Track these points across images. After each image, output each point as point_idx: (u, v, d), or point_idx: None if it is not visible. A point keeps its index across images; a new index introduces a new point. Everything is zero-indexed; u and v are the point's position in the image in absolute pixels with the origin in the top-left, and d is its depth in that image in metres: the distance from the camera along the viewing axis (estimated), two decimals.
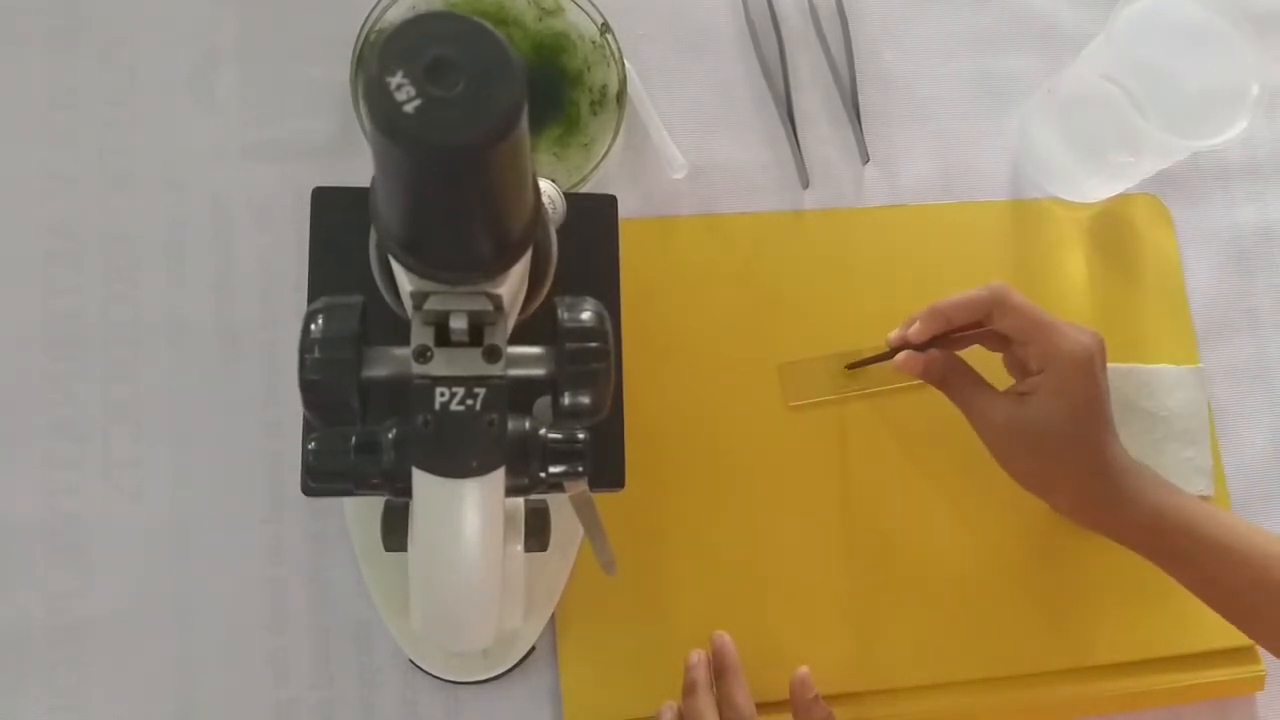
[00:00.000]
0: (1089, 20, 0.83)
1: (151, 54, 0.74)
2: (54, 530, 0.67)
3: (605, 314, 0.48)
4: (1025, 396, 0.64)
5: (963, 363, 0.67)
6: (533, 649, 0.67)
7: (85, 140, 0.72)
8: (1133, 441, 0.74)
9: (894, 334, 0.68)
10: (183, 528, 0.68)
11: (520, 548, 0.57)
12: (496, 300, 0.46)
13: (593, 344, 0.47)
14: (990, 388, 0.66)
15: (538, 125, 0.74)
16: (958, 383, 0.66)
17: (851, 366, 0.73)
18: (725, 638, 0.68)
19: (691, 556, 0.70)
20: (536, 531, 0.57)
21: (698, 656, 0.67)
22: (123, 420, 0.69)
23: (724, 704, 0.65)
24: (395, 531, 0.53)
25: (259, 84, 0.74)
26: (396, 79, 0.37)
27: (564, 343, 0.47)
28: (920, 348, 0.67)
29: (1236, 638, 0.73)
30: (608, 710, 0.67)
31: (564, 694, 0.67)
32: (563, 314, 0.48)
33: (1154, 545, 0.63)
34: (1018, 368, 0.67)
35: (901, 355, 0.67)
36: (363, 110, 0.70)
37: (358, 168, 0.72)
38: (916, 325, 0.67)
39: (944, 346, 0.67)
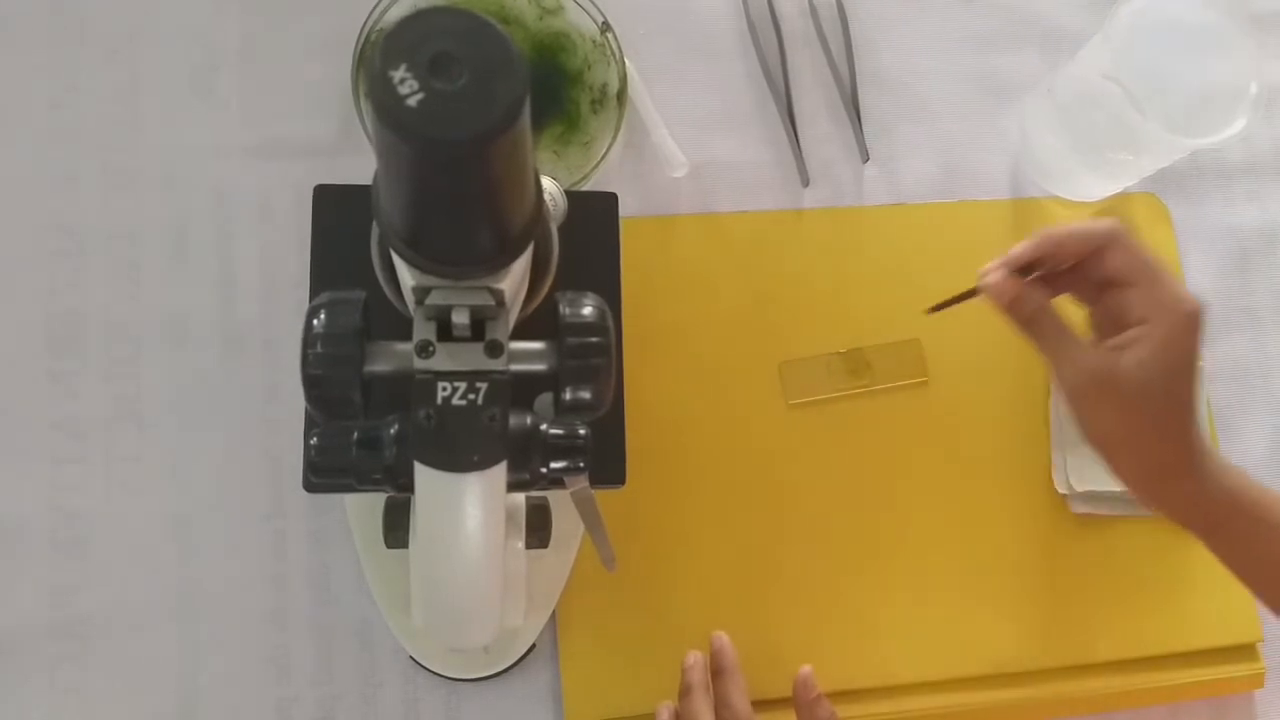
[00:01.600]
0: (1088, 19, 0.83)
1: (153, 53, 0.74)
2: (56, 526, 0.67)
3: (606, 309, 0.49)
4: (1123, 348, 0.57)
5: (1054, 306, 0.60)
6: (533, 646, 0.67)
7: (88, 138, 0.72)
8: None
9: (989, 265, 0.61)
10: (184, 524, 0.68)
11: (521, 544, 0.57)
12: (498, 295, 0.46)
13: (594, 339, 0.48)
14: (1080, 337, 0.59)
15: (538, 124, 0.74)
16: (1048, 324, 0.59)
17: (933, 310, 0.66)
18: (723, 639, 0.68)
19: (692, 553, 0.71)
20: (538, 528, 0.57)
21: (694, 658, 0.67)
22: (125, 417, 0.69)
23: (720, 705, 0.65)
24: (397, 528, 0.54)
25: (261, 83, 0.74)
26: (399, 73, 0.37)
27: (565, 337, 0.47)
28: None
29: (1236, 635, 0.73)
30: (608, 707, 0.68)
31: (564, 691, 0.68)
32: (564, 309, 0.48)
33: (1221, 527, 0.59)
34: (1110, 322, 0.60)
35: (995, 276, 0.60)
36: (365, 105, 0.71)
37: (359, 166, 0.72)
38: (1020, 246, 0.60)
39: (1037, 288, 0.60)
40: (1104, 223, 0.59)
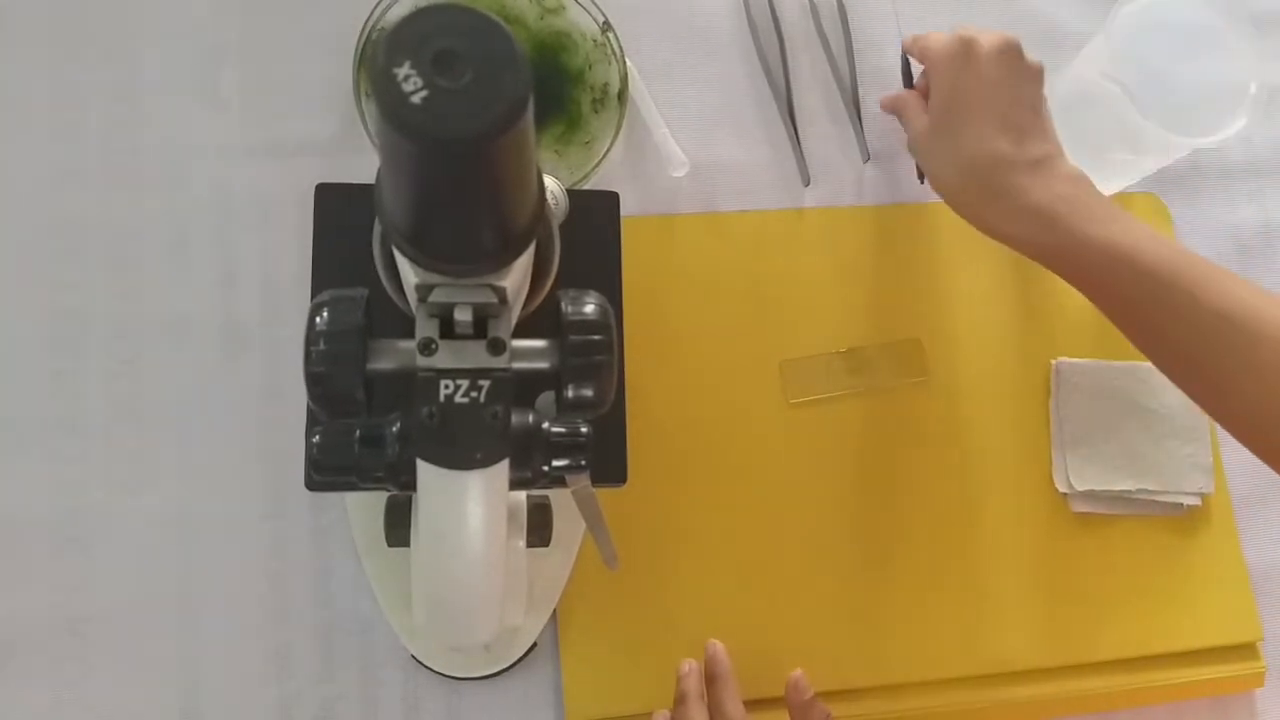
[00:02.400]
0: (1088, 19, 0.83)
1: (156, 52, 0.74)
2: (58, 525, 0.67)
3: (608, 307, 0.49)
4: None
5: (916, 95, 0.70)
6: (534, 645, 0.67)
7: (90, 137, 0.72)
8: (1133, 438, 0.75)
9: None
10: (185, 523, 0.68)
11: (522, 543, 0.57)
12: (501, 292, 0.46)
13: (596, 336, 0.48)
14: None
15: (539, 124, 0.74)
16: (906, 106, 0.70)
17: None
18: (718, 646, 0.68)
19: (693, 552, 0.71)
20: (539, 527, 0.58)
21: (689, 666, 0.67)
22: (126, 416, 0.69)
23: (715, 712, 0.65)
24: (398, 526, 0.54)
25: (262, 82, 0.74)
26: (403, 70, 0.37)
27: (567, 335, 0.47)
28: None
29: (1236, 634, 0.73)
30: (609, 705, 0.68)
31: (565, 689, 0.68)
32: (566, 307, 0.48)
33: (1072, 265, 0.62)
34: None
35: (883, 97, 0.74)
36: (366, 104, 0.71)
37: (360, 165, 0.72)
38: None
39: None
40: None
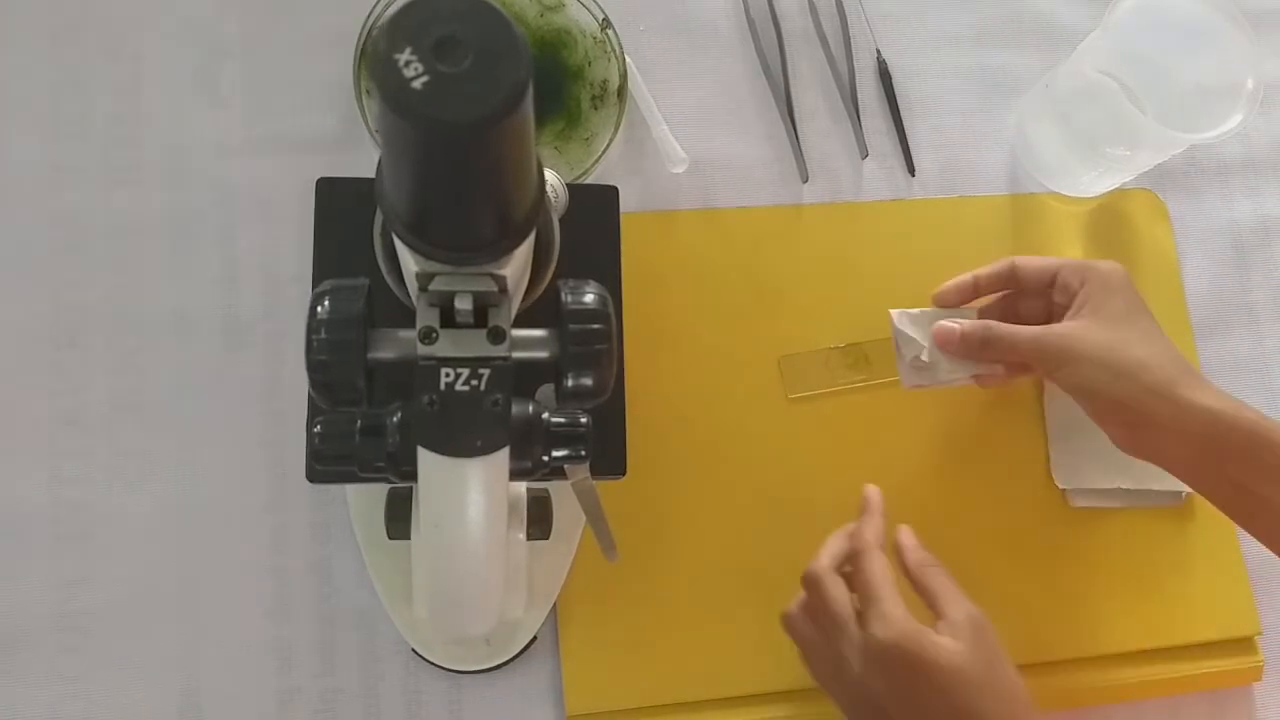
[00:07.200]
0: (1085, 15, 0.83)
1: (157, 48, 0.74)
2: (59, 519, 0.67)
3: (608, 296, 0.49)
4: (1068, 320, 0.66)
5: (995, 322, 0.68)
6: (534, 638, 0.67)
7: (91, 134, 0.73)
8: None
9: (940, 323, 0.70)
10: (187, 517, 0.68)
11: (522, 536, 0.58)
12: (501, 281, 0.46)
13: (595, 325, 0.48)
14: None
15: (539, 120, 0.74)
16: (1000, 331, 0.67)
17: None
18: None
19: (692, 546, 0.71)
20: (539, 519, 0.58)
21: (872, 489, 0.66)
22: (127, 410, 0.69)
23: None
24: (399, 519, 0.54)
25: (263, 78, 0.75)
26: (404, 56, 0.37)
27: (567, 324, 0.48)
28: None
29: (1235, 629, 0.73)
30: (609, 699, 0.68)
31: (565, 683, 0.68)
32: (566, 296, 0.49)
33: (1211, 464, 0.62)
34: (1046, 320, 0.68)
35: (938, 326, 0.69)
36: (367, 101, 0.71)
37: (360, 161, 0.73)
38: (946, 292, 0.71)
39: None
40: (996, 263, 0.71)
